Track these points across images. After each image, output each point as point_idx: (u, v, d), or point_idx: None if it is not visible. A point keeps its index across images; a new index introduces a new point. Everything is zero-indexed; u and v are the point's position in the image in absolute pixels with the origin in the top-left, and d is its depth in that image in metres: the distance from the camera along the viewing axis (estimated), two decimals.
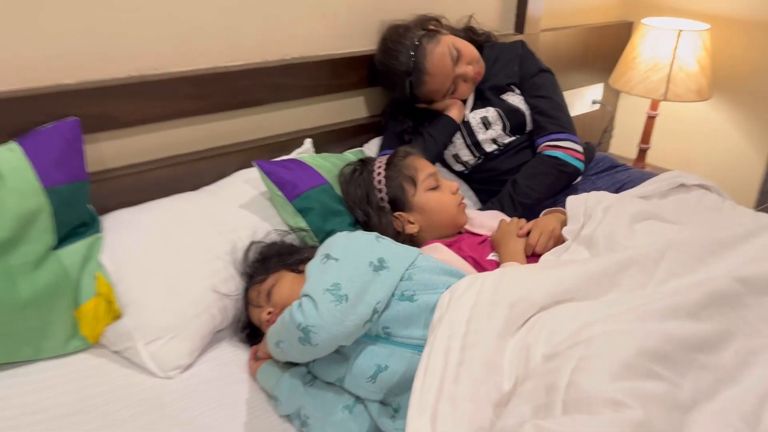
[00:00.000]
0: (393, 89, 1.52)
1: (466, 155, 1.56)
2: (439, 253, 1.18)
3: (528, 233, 1.20)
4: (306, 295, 0.87)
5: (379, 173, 1.27)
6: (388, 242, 1.00)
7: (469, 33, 1.61)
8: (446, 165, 1.62)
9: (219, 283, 1.09)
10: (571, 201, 1.21)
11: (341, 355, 0.91)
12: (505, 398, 0.77)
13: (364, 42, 1.57)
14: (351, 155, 1.48)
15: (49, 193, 1.02)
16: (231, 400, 0.98)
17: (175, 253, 1.10)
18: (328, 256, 0.94)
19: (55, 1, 1.09)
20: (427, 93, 1.48)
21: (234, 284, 1.11)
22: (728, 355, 0.83)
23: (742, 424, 0.73)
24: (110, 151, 1.21)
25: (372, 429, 0.89)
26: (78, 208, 1.08)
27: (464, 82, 1.50)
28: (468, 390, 0.76)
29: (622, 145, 2.52)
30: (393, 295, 0.92)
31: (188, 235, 1.13)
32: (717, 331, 0.84)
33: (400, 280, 0.93)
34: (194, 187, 1.30)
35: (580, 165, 1.47)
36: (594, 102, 2.40)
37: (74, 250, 1.05)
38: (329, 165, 1.34)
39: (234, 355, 1.08)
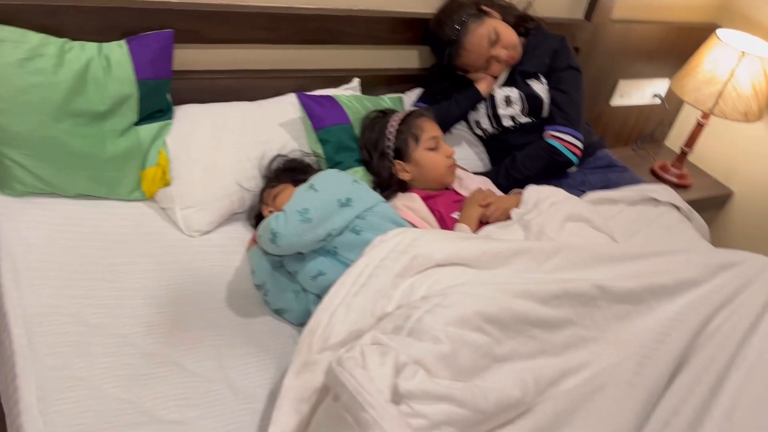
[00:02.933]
0: (436, 54, 1.77)
1: (486, 124, 1.82)
2: (411, 201, 1.49)
3: (488, 205, 1.49)
4: (284, 210, 1.23)
5: (392, 125, 1.57)
6: (361, 187, 1.32)
7: (520, 19, 1.81)
8: (470, 128, 1.89)
9: (244, 179, 1.46)
10: (529, 190, 1.48)
11: (301, 255, 1.27)
12: (385, 316, 1.11)
13: (425, 5, 1.80)
14: (388, 100, 1.78)
15: (140, 84, 1.40)
16: (227, 263, 1.38)
17: (218, 147, 1.47)
18: (311, 186, 1.28)
19: None
20: (462, 65, 1.73)
21: (255, 183, 1.48)
22: (561, 337, 1.12)
23: (532, 383, 1.03)
24: (194, 58, 1.58)
25: (306, 312, 1.25)
26: (159, 98, 1.46)
27: (497, 62, 1.73)
28: (360, 303, 1.10)
29: (678, 142, 2.60)
30: (347, 226, 1.25)
31: (232, 136, 1.49)
32: (559, 317, 1.12)
33: (356, 217, 1.26)
34: (252, 99, 1.64)
35: (574, 158, 1.70)
36: (654, 95, 2.52)
37: (149, 128, 1.45)
38: (360, 107, 1.65)
39: (240, 233, 1.46)
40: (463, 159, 1.83)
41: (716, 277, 1.22)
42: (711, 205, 2.55)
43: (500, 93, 1.77)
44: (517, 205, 1.48)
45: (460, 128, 1.89)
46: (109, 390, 1.04)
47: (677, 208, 1.66)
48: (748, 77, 2.12)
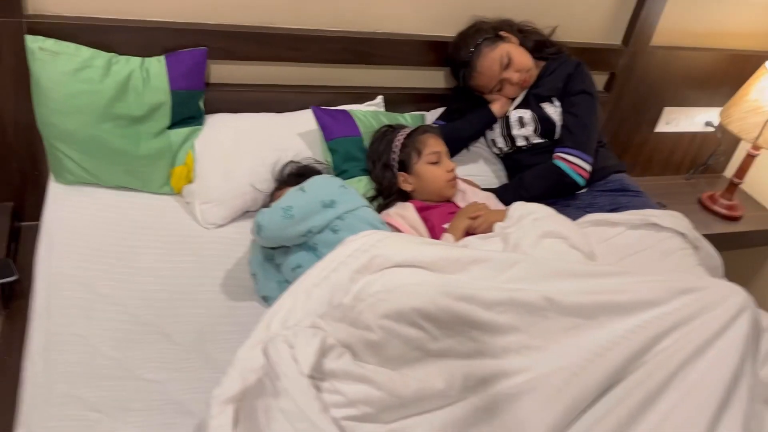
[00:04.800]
0: (454, 75, 1.88)
1: (501, 143, 1.90)
2: (404, 210, 1.60)
3: (477, 218, 1.57)
4: (272, 206, 1.38)
5: (399, 139, 1.69)
6: (347, 191, 1.45)
7: (540, 44, 1.88)
8: (488, 146, 1.97)
9: (257, 181, 1.63)
10: (515, 206, 1.54)
11: (287, 249, 1.42)
12: (339, 306, 1.23)
13: (450, 29, 1.91)
14: (408, 117, 1.90)
15: (173, 93, 1.61)
16: (233, 254, 1.55)
17: (238, 152, 1.65)
18: (301, 187, 1.43)
19: None
20: (476, 86, 1.83)
21: (267, 185, 1.64)
22: (502, 341, 1.18)
23: (460, 379, 1.11)
24: (227, 72, 1.78)
25: None
26: (190, 107, 1.67)
27: (510, 85, 1.80)
28: (319, 293, 1.23)
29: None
30: (327, 225, 1.39)
31: (252, 143, 1.67)
32: (502, 323, 1.18)
33: (337, 218, 1.39)
34: (280, 111, 1.82)
35: (580, 180, 1.74)
36: (707, 124, 2.46)
37: (180, 132, 1.66)
38: (374, 122, 1.78)
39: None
40: (480, 175, 1.92)
41: (676, 300, 1.23)
42: (764, 240, 2.45)
43: (515, 114, 1.84)
44: (503, 220, 1.54)
45: (479, 146, 1.98)
46: (101, 348, 1.24)
47: (683, 235, 1.65)
48: None
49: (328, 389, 1.04)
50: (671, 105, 2.36)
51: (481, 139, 1.98)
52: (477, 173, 1.92)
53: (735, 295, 1.23)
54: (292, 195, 1.41)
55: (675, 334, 1.19)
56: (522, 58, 1.79)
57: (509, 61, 1.77)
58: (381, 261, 1.27)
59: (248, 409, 1.04)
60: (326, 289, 1.24)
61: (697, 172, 2.57)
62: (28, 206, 1.73)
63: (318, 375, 1.07)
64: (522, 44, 1.84)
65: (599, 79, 2.22)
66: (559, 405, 1.10)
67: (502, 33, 1.82)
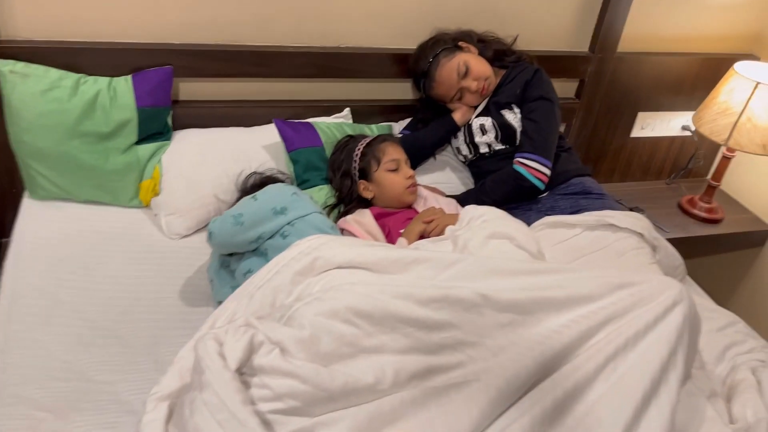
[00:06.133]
0: (415, 86, 1.93)
1: (465, 150, 1.94)
2: (361, 216, 1.65)
3: (431, 222, 1.60)
4: (224, 214, 1.44)
5: (359, 148, 1.74)
6: (300, 198, 1.50)
7: (501, 53, 1.92)
8: (455, 154, 2.01)
9: (221, 192, 1.69)
10: (467, 209, 1.58)
11: (241, 255, 1.47)
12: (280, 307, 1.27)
13: (414, 42, 1.95)
14: (375, 128, 1.95)
15: (139, 111, 1.69)
16: (194, 262, 1.60)
17: (203, 164, 1.72)
18: (254, 196, 1.48)
19: None
20: (436, 96, 1.87)
21: (231, 196, 1.70)
22: (437, 338, 1.21)
23: (392, 374, 1.14)
24: (198, 89, 1.86)
25: None
26: (157, 123, 1.74)
27: (470, 93, 1.85)
28: (262, 295, 1.27)
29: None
30: (277, 231, 1.44)
31: (217, 155, 1.73)
32: (438, 320, 1.21)
33: (287, 224, 1.44)
34: (249, 125, 1.89)
35: (539, 184, 1.76)
36: (684, 128, 2.47)
37: (148, 147, 1.73)
38: (337, 133, 1.83)
39: None
40: (447, 183, 1.95)
41: (611, 294, 1.25)
42: (747, 242, 2.44)
43: (476, 122, 1.88)
44: (455, 223, 1.58)
45: (445, 154, 2.02)
46: (56, 351, 1.29)
47: (641, 235, 1.66)
48: (763, 109, 2.06)
49: (257, 384, 1.08)
50: (645, 110, 2.38)
51: (449, 147, 2.02)
52: (444, 181, 1.95)
53: (669, 289, 1.24)
54: (244, 203, 1.46)
55: (608, 327, 1.21)
56: (480, 66, 1.83)
57: (467, 70, 1.81)
58: (322, 263, 1.31)
59: (180, 404, 1.09)
60: (269, 291, 1.28)
61: (679, 176, 2.58)
62: (7, 223, 1.81)
63: (249, 371, 1.11)
64: (481, 53, 1.88)
65: (569, 87, 2.25)
66: (486, 398, 1.12)
67: (460, 43, 1.86)
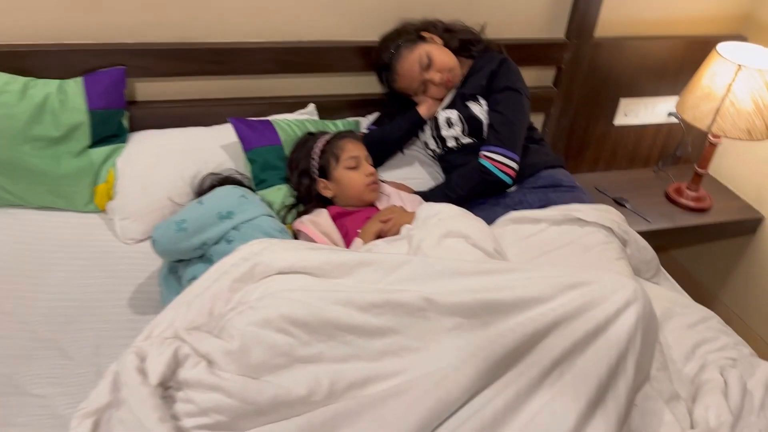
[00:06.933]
0: (378, 78, 1.87)
1: (432, 145, 1.87)
2: (317, 216, 1.60)
3: (388, 221, 1.55)
4: (166, 220, 1.39)
5: (318, 146, 1.69)
6: (247, 201, 1.45)
7: (467, 42, 1.85)
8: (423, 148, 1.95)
9: (175, 195, 1.65)
10: (423, 207, 1.52)
11: (187, 262, 1.43)
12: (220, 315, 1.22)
13: (379, 33, 1.89)
14: (340, 124, 1.90)
15: (91, 113, 1.65)
16: (147, 268, 1.56)
17: (157, 166, 1.67)
18: (200, 200, 1.44)
19: None
20: (400, 89, 1.81)
21: (186, 198, 1.66)
22: (378, 344, 1.16)
23: (327, 384, 1.09)
24: (154, 90, 1.81)
25: None
26: (111, 125, 1.70)
27: (434, 86, 1.78)
28: (199, 304, 1.23)
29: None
30: (223, 236, 1.39)
31: (172, 156, 1.69)
32: (379, 325, 1.16)
33: (232, 228, 1.39)
34: (211, 125, 1.84)
35: (506, 178, 1.70)
36: (669, 114, 2.39)
37: (102, 150, 1.69)
38: (298, 131, 1.78)
39: None
40: (416, 178, 1.90)
41: (562, 295, 1.19)
42: (738, 230, 2.35)
43: (443, 115, 1.82)
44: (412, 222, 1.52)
45: (414, 149, 1.96)
46: None
47: (610, 229, 1.60)
48: (747, 91, 1.97)
49: (182, 399, 1.04)
50: (628, 96, 2.30)
51: (417, 142, 1.96)
52: (413, 176, 1.90)
53: (623, 288, 1.18)
54: (188, 208, 1.42)
55: (557, 330, 1.16)
56: (443, 57, 1.76)
57: (429, 62, 1.75)
58: (262, 269, 1.26)
59: (104, 421, 1.05)
60: (206, 299, 1.24)
61: (667, 163, 2.49)
62: None
63: (175, 385, 1.07)
64: (447, 44, 1.81)
65: (546, 75, 2.18)
66: (424, 407, 1.07)
67: (424, 34, 1.80)
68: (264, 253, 1.28)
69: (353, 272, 1.28)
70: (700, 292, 2.59)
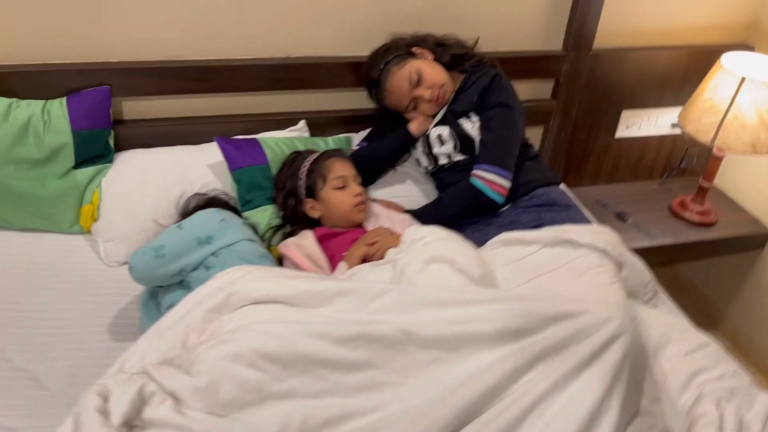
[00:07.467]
0: (368, 95, 1.83)
1: (425, 162, 1.83)
2: (303, 239, 1.56)
3: (374, 244, 1.51)
4: (144, 246, 1.37)
5: (305, 165, 1.65)
6: (228, 225, 1.42)
7: (458, 58, 1.80)
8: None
9: (160, 216, 1.62)
10: (409, 230, 1.47)
11: (167, 288, 1.40)
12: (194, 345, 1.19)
13: (370, 49, 1.85)
14: (331, 141, 1.86)
15: (75, 134, 1.63)
16: (131, 292, 1.53)
17: (142, 187, 1.65)
18: (179, 224, 1.41)
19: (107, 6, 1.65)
20: (389, 106, 1.77)
21: (172, 220, 1.63)
22: (355, 379, 1.12)
23: (298, 423, 1.05)
24: (140, 108, 1.79)
25: None
26: (96, 146, 1.68)
27: (425, 102, 1.74)
28: (172, 335, 1.20)
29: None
30: (202, 263, 1.36)
31: (157, 177, 1.67)
32: (355, 359, 1.12)
33: (211, 254, 1.36)
34: (199, 143, 1.82)
35: (498, 198, 1.65)
36: (673, 125, 2.33)
37: (86, 171, 1.67)
38: (286, 149, 1.75)
39: None
40: (408, 196, 1.85)
41: (545, 328, 1.14)
42: (745, 245, 2.28)
43: (434, 132, 1.78)
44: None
45: (407, 165, 1.91)
46: None
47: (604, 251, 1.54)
48: (751, 105, 1.91)
49: None
50: (630, 108, 2.24)
51: (412, 159, 1.92)
52: (404, 194, 1.86)
53: (609, 321, 1.14)
54: (167, 233, 1.39)
55: (539, 366, 1.11)
56: (433, 74, 1.72)
57: (419, 78, 1.71)
58: (238, 298, 1.23)
59: None
60: (180, 330, 1.21)
61: (672, 176, 2.43)
62: None
63: (141, 423, 1.04)
64: (438, 59, 1.77)
65: (544, 87, 2.12)
66: None
67: (414, 49, 1.76)
68: (239, 282, 1.25)
69: (331, 302, 1.24)
70: (708, 307, 2.51)
